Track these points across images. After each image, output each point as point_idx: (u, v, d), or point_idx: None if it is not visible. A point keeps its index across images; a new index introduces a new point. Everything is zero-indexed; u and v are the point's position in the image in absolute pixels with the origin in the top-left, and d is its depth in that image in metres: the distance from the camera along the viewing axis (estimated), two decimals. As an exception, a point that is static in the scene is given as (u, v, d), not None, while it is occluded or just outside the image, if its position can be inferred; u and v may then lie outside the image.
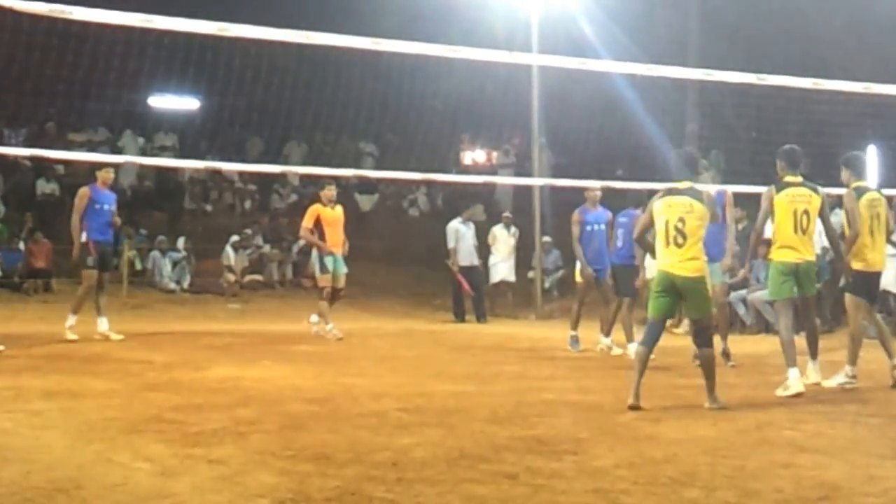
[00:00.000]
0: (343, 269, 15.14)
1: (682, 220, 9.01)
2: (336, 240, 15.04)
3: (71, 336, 13.59)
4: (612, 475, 6.24)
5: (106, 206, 13.93)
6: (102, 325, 13.93)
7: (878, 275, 10.83)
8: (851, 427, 8.44)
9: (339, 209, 15.23)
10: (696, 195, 9.13)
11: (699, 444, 7.31)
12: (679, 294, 9.09)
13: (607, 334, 13.85)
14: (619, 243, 13.49)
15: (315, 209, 15.13)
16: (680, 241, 9.00)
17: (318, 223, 14.98)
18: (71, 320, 13.79)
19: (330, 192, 15.16)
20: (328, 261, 14.92)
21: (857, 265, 10.61)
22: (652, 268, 10.24)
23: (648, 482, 5.54)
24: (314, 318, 15.17)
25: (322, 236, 14.95)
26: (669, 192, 9.24)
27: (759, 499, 6.05)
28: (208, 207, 27.34)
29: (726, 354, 12.09)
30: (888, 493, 6.24)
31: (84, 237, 13.75)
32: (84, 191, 13.91)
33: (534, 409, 8.99)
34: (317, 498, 5.82)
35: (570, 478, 5.83)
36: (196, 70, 21.45)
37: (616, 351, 13.48)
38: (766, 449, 7.49)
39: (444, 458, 6.91)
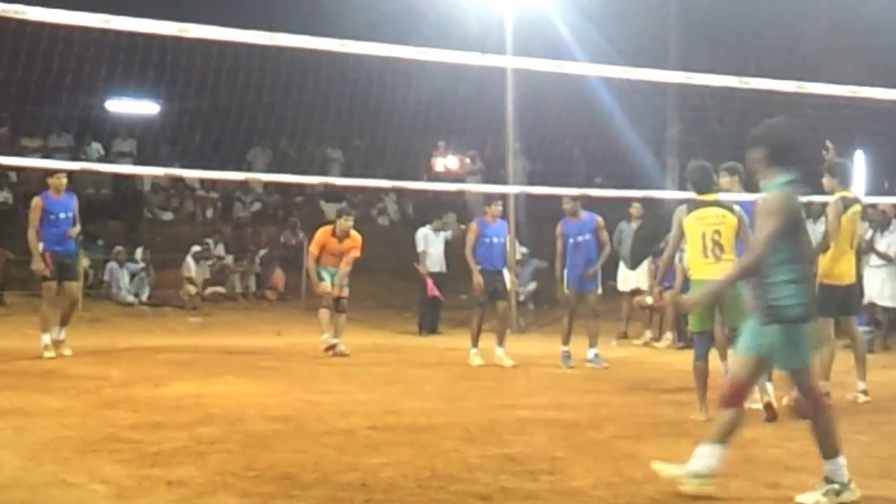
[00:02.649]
0: (343, 282, 15.12)
1: (717, 231, 9.57)
2: (331, 262, 15.09)
3: (48, 355, 13.41)
4: (589, 496, 6.24)
5: (62, 215, 13.75)
6: (57, 332, 13.76)
7: (847, 288, 10.84)
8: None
9: (348, 242, 15.16)
10: (727, 206, 9.72)
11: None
12: (717, 303, 9.48)
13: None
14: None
15: (323, 237, 15.12)
16: (718, 252, 9.54)
17: (321, 250, 14.98)
18: (45, 339, 13.63)
19: (347, 223, 15.12)
20: (323, 274, 14.95)
21: (824, 279, 10.62)
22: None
23: (628, 502, 5.53)
24: (335, 340, 15.08)
25: (320, 260, 14.97)
26: (697, 205, 9.78)
27: (744, 520, 6.06)
28: (168, 216, 27.23)
29: (727, 373, 12.10)
30: (877, 513, 6.27)
31: (41, 248, 13.63)
32: (36, 201, 13.76)
33: (508, 426, 8.99)
34: (281, 521, 5.79)
35: (546, 499, 5.83)
36: (155, 73, 21.34)
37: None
38: (751, 468, 7.51)
39: (414, 479, 6.90)
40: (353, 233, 15.29)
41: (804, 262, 6.77)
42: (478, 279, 14.20)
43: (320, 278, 14.96)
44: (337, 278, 15.02)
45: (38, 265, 13.53)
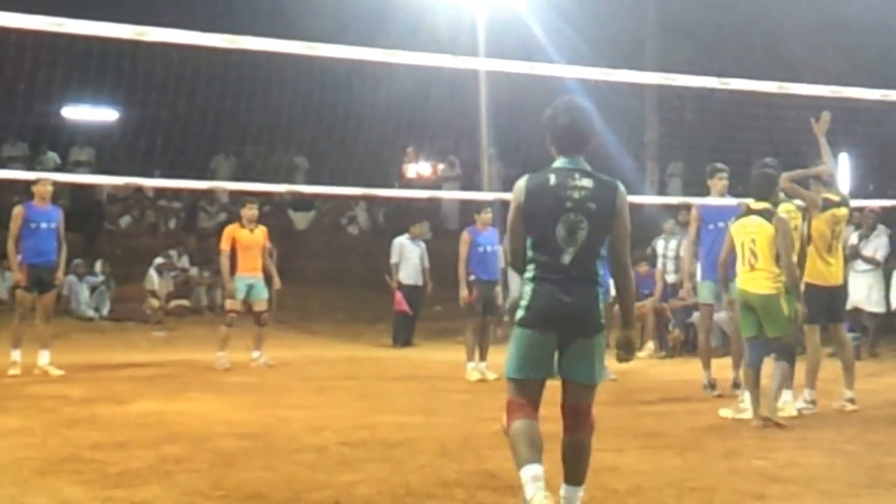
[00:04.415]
0: (261, 295, 15.10)
1: (753, 240, 9.89)
2: (249, 264, 15.03)
3: (13, 372, 13.35)
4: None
5: (44, 225, 13.67)
6: (42, 358, 13.72)
7: (834, 290, 10.94)
8: (825, 455, 8.53)
9: (259, 231, 15.18)
10: (767, 216, 9.92)
11: (664, 475, 7.36)
12: (756, 312, 9.89)
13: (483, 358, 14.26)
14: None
15: (231, 230, 15.12)
16: (753, 261, 9.89)
17: (233, 245, 14.95)
18: (14, 355, 13.57)
19: (250, 211, 15.14)
20: (238, 285, 14.90)
21: (810, 279, 10.72)
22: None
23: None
24: (255, 353, 15.11)
25: (234, 260, 14.93)
26: (746, 213, 10.19)
27: (729, 533, 6.09)
28: (129, 228, 27.13)
29: (711, 385, 12.18)
30: (866, 524, 6.31)
31: (19, 259, 13.59)
32: (17, 210, 13.70)
33: (485, 440, 8.99)
34: (251, 541, 5.79)
35: (526, 514, 5.83)
36: (114, 79, 21.27)
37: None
38: (736, 480, 7.55)
39: (389, 496, 6.91)
40: (260, 225, 15.35)
41: None
42: (464, 292, 14.18)
43: (234, 290, 14.94)
44: (255, 292, 15.03)
45: (15, 277, 13.52)
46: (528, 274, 6.07)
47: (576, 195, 5.98)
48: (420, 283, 19.01)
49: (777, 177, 10.40)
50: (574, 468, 6.05)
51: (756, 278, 9.88)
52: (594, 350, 6.02)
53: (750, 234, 9.95)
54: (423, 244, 19.22)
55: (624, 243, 6.11)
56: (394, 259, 19.10)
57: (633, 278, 6.40)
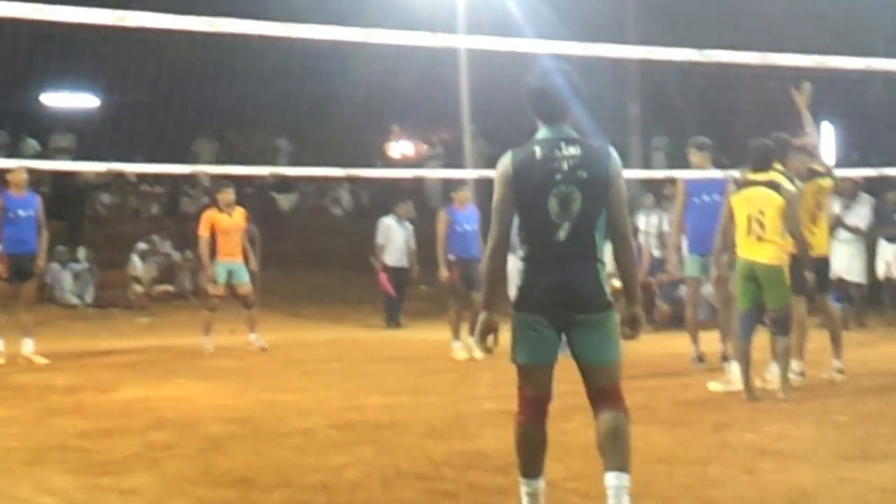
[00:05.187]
0: (243, 278, 15.05)
1: (761, 212, 9.79)
2: (230, 249, 15.00)
3: None
4: (562, 488, 6.22)
5: (22, 213, 13.58)
6: (27, 346, 13.63)
7: (819, 260, 10.91)
8: (816, 427, 8.52)
9: (237, 214, 15.14)
10: (775, 187, 9.85)
11: (654, 451, 7.33)
12: (758, 283, 9.81)
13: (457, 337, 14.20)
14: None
15: (209, 215, 15.08)
16: (760, 232, 9.80)
17: (213, 230, 14.90)
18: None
19: (227, 195, 15.09)
20: (218, 270, 14.85)
21: (795, 250, 10.70)
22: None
23: (601, 495, 5.51)
24: (252, 336, 15.07)
25: (215, 245, 14.88)
26: (747, 184, 10.07)
27: (722, 508, 6.06)
28: (111, 213, 27.02)
29: (700, 358, 12.18)
30: (859, 496, 6.29)
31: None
32: None
33: (474, 420, 8.97)
34: (240, 527, 5.75)
35: (517, 494, 5.79)
36: (93, 64, 21.19)
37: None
38: (727, 454, 7.53)
39: (378, 478, 6.87)
40: (238, 207, 15.32)
41: None
42: (443, 272, 14.18)
43: (215, 275, 14.89)
44: (236, 277, 14.99)
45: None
46: (521, 253, 5.74)
47: (565, 165, 5.62)
48: (405, 264, 18.92)
49: (776, 149, 10.34)
50: (614, 452, 5.53)
51: (763, 249, 9.80)
52: (602, 328, 5.61)
53: (757, 205, 9.85)
54: (409, 226, 19.11)
55: (622, 212, 5.72)
56: (379, 240, 19.02)
57: (636, 249, 6.18)
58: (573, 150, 5.66)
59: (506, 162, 5.76)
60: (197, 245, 15.35)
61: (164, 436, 8.45)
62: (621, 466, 5.49)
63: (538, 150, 5.69)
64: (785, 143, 10.63)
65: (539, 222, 5.64)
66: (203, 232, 14.97)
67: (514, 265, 5.75)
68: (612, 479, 5.48)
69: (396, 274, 18.96)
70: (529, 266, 5.68)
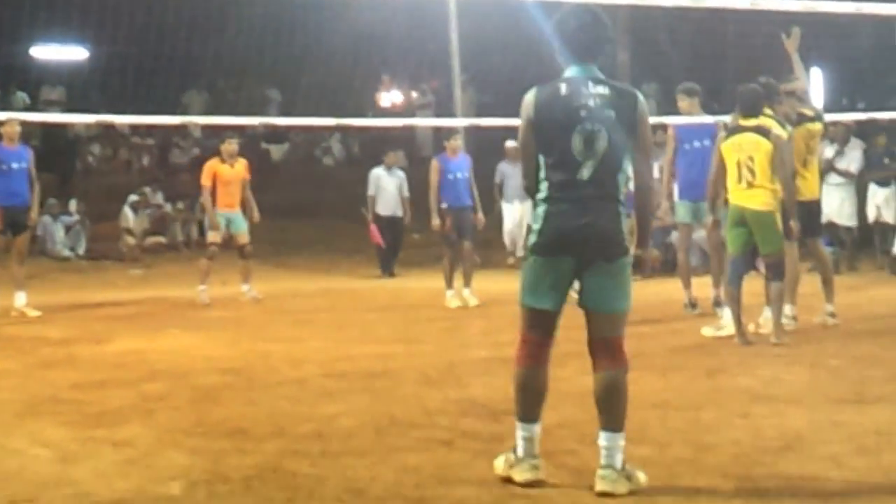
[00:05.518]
0: (241, 228, 15.00)
1: (751, 157, 9.74)
2: (229, 199, 14.93)
3: None
4: (555, 435, 6.19)
5: (15, 165, 13.46)
6: (19, 299, 13.55)
7: (810, 204, 10.86)
8: (809, 371, 8.51)
9: (239, 165, 15.07)
10: (764, 132, 9.80)
11: (648, 396, 7.29)
12: (749, 228, 9.80)
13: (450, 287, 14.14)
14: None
15: (212, 165, 14.99)
16: (750, 178, 9.75)
17: (214, 180, 14.83)
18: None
19: (231, 146, 15.02)
20: (219, 218, 14.81)
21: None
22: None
23: (595, 441, 5.48)
24: (245, 287, 15.01)
25: (215, 195, 14.81)
26: (736, 130, 10.03)
27: (716, 453, 6.04)
28: (102, 165, 26.90)
29: (692, 304, 12.15)
30: (853, 438, 6.27)
31: None
32: None
33: (467, 368, 8.95)
34: (234, 477, 5.71)
35: (510, 441, 5.76)
36: (82, 16, 20.97)
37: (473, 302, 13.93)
38: (720, 398, 7.51)
39: (372, 427, 6.84)
40: (240, 158, 15.25)
41: None
42: (436, 221, 14.12)
43: (217, 223, 14.85)
44: (235, 226, 14.93)
45: None
46: (541, 195, 5.54)
47: (591, 103, 5.46)
48: (399, 213, 18.80)
49: (765, 94, 10.27)
50: (610, 411, 5.46)
51: (754, 195, 9.75)
52: (618, 275, 5.49)
53: (746, 151, 9.79)
54: (401, 173, 18.96)
55: (646, 153, 5.63)
56: (370, 191, 18.88)
57: (655, 195, 6.04)
58: (601, 90, 5.52)
59: (529, 99, 5.61)
60: (188, 196, 15.27)
61: (158, 387, 8.41)
62: (616, 426, 5.45)
63: (564, 87, 5.55)
64: (773, 88, 10.56)
65: (562, 160, 5.48)
66: (205, 181, 14.92)
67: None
68: (605, 439, 5.44)
69: (390, 223, 18.84)
70: (549, 207, 5.51)
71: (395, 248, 19.36)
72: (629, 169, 5.57)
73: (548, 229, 5.49)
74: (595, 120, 5.45)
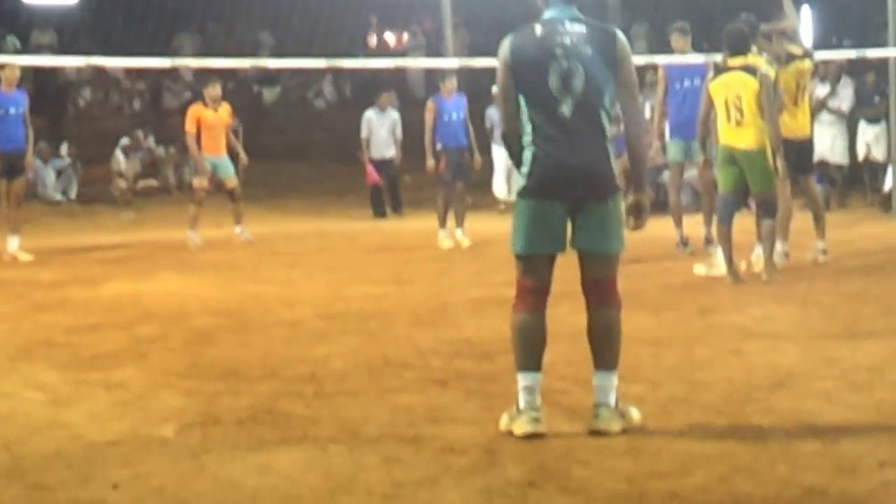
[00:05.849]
0: (229, 172, 14.89)
1: (738, 96, 9.67)
2: (214, 144, 14.78)
3: None
4: (549, 374, 6.13)
5: (12, 110, 13.33)
6: (12, 243, 13.45)
7: (802, 142, 10.79)
8: (801, 308, 8.50)
9: (223, 109, 14.92)
10: (750, 70, 9.71)
11: (640, 335, 7.26)
12: (740, 167, 9.75)
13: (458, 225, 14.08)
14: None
15: (195, 110, 14.82)
16: (738, 117, 9.67)
17: (198, 125, 14.70)
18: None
19: (214, 90, 14.85)
20: (206, 163, 14.70)
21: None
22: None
23: (588, 380, 5.46)
24: (238, 229, 14.93)
25: (200, 140, 14.70)
26: (722, 69, 9.97)
27: (709, 390, 6.03)
28: (93, 108, 26.72)
29: (684, 243, 12.12)
30: (845, 374, 6.27)
31: None
32: None
33: (461, 308, 8.93)
34: (228, 419, 5.69)
35: (504, 381, 5.74)
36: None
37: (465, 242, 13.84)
38: (713, 336, 7.51)
39: (365, 368, 6.83)
40: (224, 102, 15.08)
41: None
42: (430, 162, 14.03)
43: (205, 168, 14.74)
44: (221, 170, 14.83)
45: None
46: (527, 138, 5.44)
47: (567, 41, 5.39)
48: (390, 154, 18.65)
49: (749, 32, 10.18)
50: (603, 350, 5.44)
51: (743, 134, 9.67)
52: (610, 215, 5.40)
53: (734, 90, 9.71)
54: (394, 114, 18.77)
55: (632, 92, 5.51)
56: (363, 133, 18.75)
57: (646, 133, 5.94)
58: (578, 28, 5.45)
59: (505, 44, 5.53)
60: (180, 140, 15.14)
61: (151, 329, 8.39)
62: (610, 365, 5.42)
63: (539, 29, 5.48)
64: (754, 25, 10.46)
65: (541, 99, 5.40)
66: (190, 127, 14.75)
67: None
68: (599, 378, 5.42)
69: (382, 165, 18.73)
70: (535, 150, 5.41)
71: (393, 189, 19.24)
72: (614, 107, 5.49)
73: (536, 171, 5.41)
74: (571, 57, 5.38)
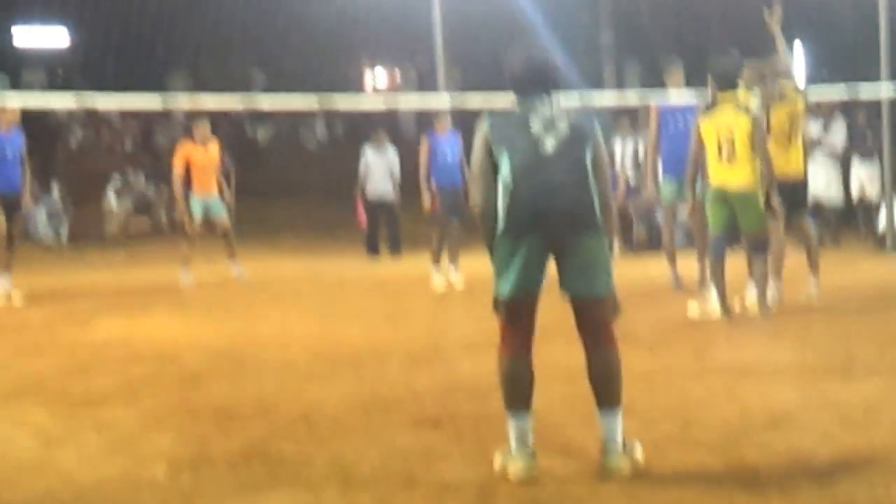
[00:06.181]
0: (220, 212, 14.84)
1: (731, 134, 9.62)
2: (205, 183, 14.75)
3: None
4: (544, 412, 6.14)
5: (9, 152, 13.37)
6: (4, 283, 13.40)
7: (796, 181, 10.80)
8: (796, 347, 8.50)
9: (212, 148, 14.90)
10: (742, 108, 9.70)
11: (634, 375, 7.17)
12: (731, 206, 9.71)
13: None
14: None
15: (185, 149, 14.82)
16: (730, 155, 9.62)
17: (188, 164, 14.69)
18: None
19: (202, 128, 14.84)
20: (194, 205, 14.67)
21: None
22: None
23: (584, 417, 5.48)
24: (234, 269, 14.91)
25: (189, 178, 14.68)
26: (714, 106, 9.89)
27: (704, 430, 6.03)
28: (85, 148, 26.78)
29: (677, 281, 12.13)
30: (841, 413, 6.28)
31: None
32: None
33: (454, 348, 8.92)
34: (220, 460, 5.68)
35: (498, 421, 5.73)
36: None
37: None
38: (707, 376, 7.49)
39: (359, 408, 6.82)
40: (212, 140, 15.05)
41: None
42: (426, 201, 14.02)
43: (191, 213, 14.68)
44: (213, 211, 14.83)
45: None
46: (505, 180, 5.40)
47: (546, 111, 5.46)
48: (386, 193, 18.52)
49: (738, 66, 10.23)
50: (605, 389, 5.42)
51: (735, 173, 9.65)
52: (593, 255, 5.38)
53: (725, 128, 9.69)
54: (393, 154, 18.60)
55: (604, 172, 5.48)
56: (361, 169, 18.66)
57: (612, 179, 5.95)
58: (556, 104, 5.55)
59: (484, 121, 5.57)
60: (171, 179, 15.09)
61: (142, 370, 8.37)
62: (613, 403, 5.42)
63: (517, 107, 5.57)
64: (741, 60, 10.49)
65: (522, 144, 5.40)
66: (177, 166, 14.72)
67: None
68: (604, 417, 5.41)
69: (376, 205, 18.64)
70: (512, 189, 5.37)
71: (392, 231, 19.09)
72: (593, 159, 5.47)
73: (513, 208, 5.37)
74: (553, 116, 5.45)
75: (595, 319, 5.46)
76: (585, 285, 5.41)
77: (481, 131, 5.54)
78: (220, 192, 15.12)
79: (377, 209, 18.54)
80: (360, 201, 18.59)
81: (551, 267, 5.45)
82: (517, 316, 5.46)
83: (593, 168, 5.43)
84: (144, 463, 5.67)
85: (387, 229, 19.03)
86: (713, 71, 10.05)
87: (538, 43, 5.45)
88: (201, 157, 14.71)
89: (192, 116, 18.84)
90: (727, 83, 9.88)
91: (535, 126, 5.41)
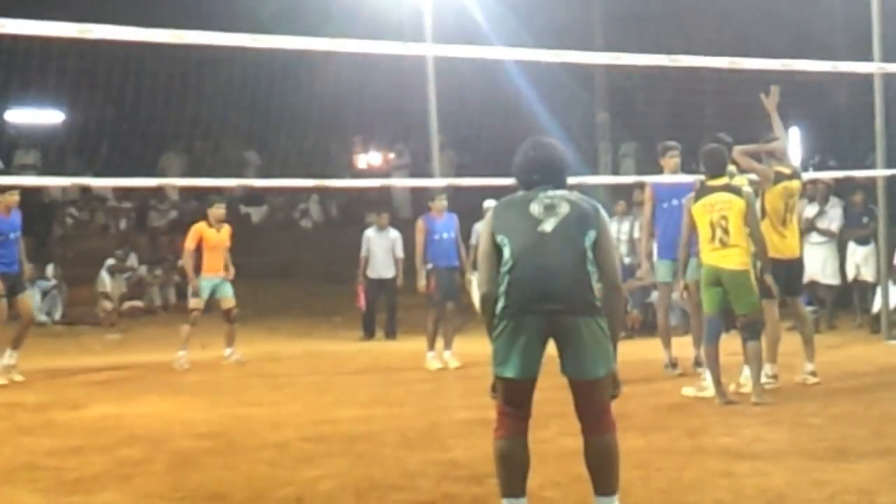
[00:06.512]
0: (228, 293, 14.97)
1: (724, 217, 9.75)
2: (215, 264, 14.89)
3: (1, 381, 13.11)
4: (538, 497, 6.20)
5: (11, 235, 13.46)
6: (11, 359, 13.43)
7: (791, 263, 10.92)
8: (790, 430, 8.52)
9: (225, 230, 15.06)
10: (735, 190, 9.85)
11: (629, 456, 7.26)
12: (725, 288, 9.78)
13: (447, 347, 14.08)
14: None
15: (198, 229, 14.94)
16: (724, 237, 9.76)
17: (199, 245, 14.81)
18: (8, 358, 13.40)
19: (219, 210, 14.99)
20: (203, 285, 14.76)
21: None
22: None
23: (578, 502, 5.49)
24: (228, 351, 14.97)
25: (200, 259, 14.79)
26: (705, 190, 10.04)
27: (699, 513, 6.05)
28: (79, 229, 26.84)
29: (672, 364, 12.16)
30: (834, 497, 6.30)
31: None
32: None
33: (448, 429, 8.94)
34: (213, 543, 5.70)
35: (493, 503, 5.76)
36: (57, 79, 21.03)
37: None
38: (702, 458, 7.52)
39: (352, 490, 6.83)
40: (225, 224, 15.23)
41: None
42: (422, 282, 14.09)
43: (199, 289, 14.81)
44: (220, 292, 14.95)
45: None
46: (505, 261, 5.54)
47: (548, 199, 5.63)
48: (388, 275, 18.54)
49: (728, 151, 10.39)
50: (602, 475, 5.53)
51: (729, 255, 9.76)
52: (592, 337, 5.45)
53: (718, 211, 9.80)
54: (394, 233, 18.67)
55: (611, 256, 5.63)
56: (363, 252, 18.71)
57: (623, 300, 6.05)
58: (560, 194, 5.69)
59: (489, 210, 5.78)
60: (166, 260, 15.19)
61: (135, 452, 8.39)
62: (610, 491, 5.50)
63: (521, 194, 5.76)
64: (730, 145, 10.68)
65: (522, 227, 5.56)
66: (190, 244, 14.84)
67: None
68: (602, 503, 5.48)
69: (376, 286, 18.66)
70: (514, 266, 5.51)
71: (390, 312, 19.11)
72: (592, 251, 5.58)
73: (513, 289, 5.49)
74: (555, 203, 5.61)
75: (594, 401, 5.53)
76: (583, 367, 5.48)
77: (487, 220, 5.70)
78: (227, 273, 15.18)
79: (377, 287, 18.55)
80: (361, 284, 18.63)
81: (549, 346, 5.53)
82: (515, 398, 5.52)
83: (598, 252, 5.54)
84: (138, 546, 5.70)
85: (385, 309, 19.04)
86: (703, 160, 10.21)
87: (548, 140, 5.54)
88: (214, 238, 14.86)
89: (187, 197, 18.99)
90: (718, 169, 10.04)
91: (536, 209, 5.56)
